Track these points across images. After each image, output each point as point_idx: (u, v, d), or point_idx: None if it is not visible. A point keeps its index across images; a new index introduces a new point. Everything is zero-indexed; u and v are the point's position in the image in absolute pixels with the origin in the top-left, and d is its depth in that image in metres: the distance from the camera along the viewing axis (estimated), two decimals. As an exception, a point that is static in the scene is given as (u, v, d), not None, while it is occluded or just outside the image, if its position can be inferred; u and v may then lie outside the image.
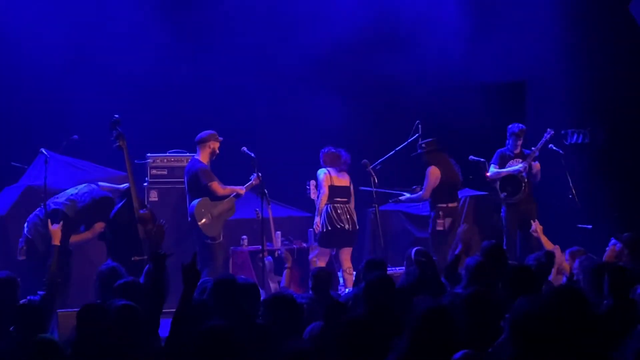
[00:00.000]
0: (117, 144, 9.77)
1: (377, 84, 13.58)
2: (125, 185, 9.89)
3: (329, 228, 11.06)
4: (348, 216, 11.16)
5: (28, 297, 7.22)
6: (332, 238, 11.14)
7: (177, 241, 10.78)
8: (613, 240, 8.94)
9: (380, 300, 6.17)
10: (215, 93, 13.22)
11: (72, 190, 9.76)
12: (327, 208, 11.10)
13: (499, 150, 11.75)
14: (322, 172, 11.22)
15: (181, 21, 13.12)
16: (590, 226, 12.13)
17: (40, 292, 7.36)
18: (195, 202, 10.46)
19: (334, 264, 11.46)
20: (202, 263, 10.24)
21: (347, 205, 11.21)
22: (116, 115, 9.82)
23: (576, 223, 12.25)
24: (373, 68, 13.41)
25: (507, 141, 11.66)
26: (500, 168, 11.62)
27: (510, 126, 11.69)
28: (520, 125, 11.69)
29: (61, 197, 9.65)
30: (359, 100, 13.59)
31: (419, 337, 5.13)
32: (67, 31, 12.46)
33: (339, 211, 11.11)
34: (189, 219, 10.58)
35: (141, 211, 9.54)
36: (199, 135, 10.69)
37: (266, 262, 10.89)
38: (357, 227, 11.33)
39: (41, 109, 12.42)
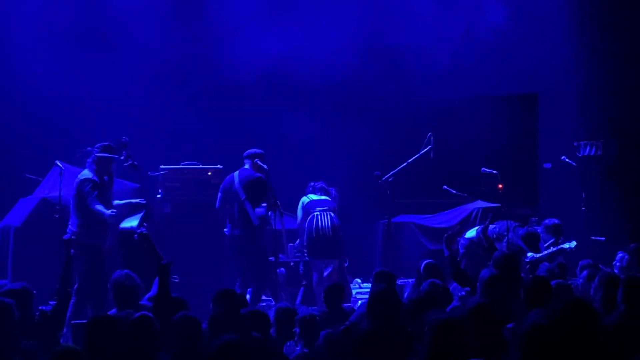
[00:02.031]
0: (129, 163, 9.77)
1: (390, 97, 13.61)
2: (141, 199, 9.91)
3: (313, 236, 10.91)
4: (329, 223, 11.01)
5: (40, 307, 7.26)
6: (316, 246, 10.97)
7: (197, 252, 10.72)
8: (621, 253, 8.93)
9: (384, 314, 6.16)
10: (230, 105, 13.28)
11: None
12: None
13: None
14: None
15: (191, 34, 13.21)
16: (603, 238, 12.10)
17: (51, 302, 7.40)
18: (261, 209, 10.42)
19: (347, 276, 11.46)
20: (260, 278, 10.29)
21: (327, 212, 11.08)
22: (124, 137, 9.82)
23: (589, 235, 12.22)
24: (385, 81, 13.44)
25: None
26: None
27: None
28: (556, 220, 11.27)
29: None
30: (371, 113, 13.61)
31: (434, 349, 5.14)
32: (81, 45, 12.56)
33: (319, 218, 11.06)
34: (255, 223, 10.43)
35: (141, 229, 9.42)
36: (251, 150, 10.61)
37: (279, 273, 10.89)
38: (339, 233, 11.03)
39: (55, 121, 12.49)
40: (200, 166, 11.31)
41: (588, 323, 5.10)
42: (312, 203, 11.11)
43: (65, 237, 7.89)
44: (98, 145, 9.58)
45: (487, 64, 13.33)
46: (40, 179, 11.17)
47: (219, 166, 11.26)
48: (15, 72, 12.50)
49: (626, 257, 8.82)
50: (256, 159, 10.61)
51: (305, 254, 11.21)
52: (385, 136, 13.56)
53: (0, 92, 12.58)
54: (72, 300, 9.21)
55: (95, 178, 9.43)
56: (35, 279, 8.88)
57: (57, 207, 9.93)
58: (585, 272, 7.96)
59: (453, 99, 13.51)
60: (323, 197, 11.17)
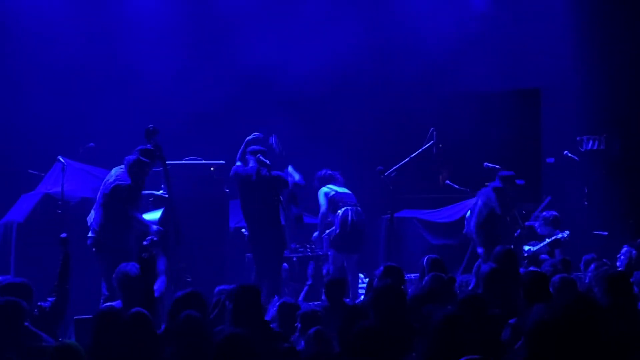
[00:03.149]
0: (156, 154, 9.49)
1: (392, 92, 13.62)
2: (163, 192, 9.87)
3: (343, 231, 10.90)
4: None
5: (38, 303, 7.26)
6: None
7: (200, 248, 10.67)
8: (626, 248, 8.91)
9: (389, 309, 6.17)
10: (232, 100, 13.29)
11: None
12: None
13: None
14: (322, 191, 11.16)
15: (196, 39, 13.25)
16: (606, 233, 12.10)
17: (50, 299, 7.40)
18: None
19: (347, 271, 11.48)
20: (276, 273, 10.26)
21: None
22: (150, 126, 9.52)
23: (592, 230, 12.22)
24: (388, 76, 13.44)
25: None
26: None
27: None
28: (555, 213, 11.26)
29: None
30: (375, 108, 13.62)
31: (437, 344, 5.14)
32: (84, 42, 12.60)
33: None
34: (282, 221, 10.47)
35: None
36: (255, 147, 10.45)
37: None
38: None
39: (58, 117, 12.51)
40: (203, 162, 11.29)
41: (593, 320, 5.09)
42: (340, 195, 11.08)
43: (63, 235, 7.83)
44: (140, 148, 9.26)
45: (489, 59, 13.33)
46: (43, 174, 11.17)
47: (221, 161, 11.25)
48: (18, 67, 12.53)
49: (634, 252, 8.80)
50: (259, 155, 10.60)
51: (318, 249, 11.24)
52: (387, 131, 13.56)
53: (2, 88, 12.60)
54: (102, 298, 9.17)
55: (132, 183, 9.16)
56: (37, 274, 8.89)
57: (60, 202, 9.94)
58: (592, 266, 7.90)
59: (456, 95, 13.51)
60: (346, 190, 11.19)
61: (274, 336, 6.31)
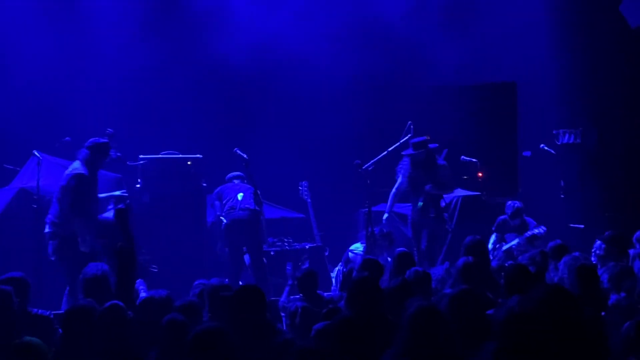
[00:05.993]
0: (117, 156, 9.62)
1: (369, 85, 13.62)
2: (123, 191, 9.84)
3: None
4: None
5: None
6: None
7: (176, 242, 10.63)
8: (598, 242, 8.93)
9: (364, 302, 6.16)
10: (208, 94, 13.26)
11: None
12: None
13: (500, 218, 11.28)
14: None
15: (172, 23, 13.20)
16: (582, 226, 12.16)
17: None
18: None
19: (327, 264, 11.50)
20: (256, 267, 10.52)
21: None
22: (109, 129, 9.60)
23: (568, 223, 12.29)
24: (365, 70, 13.44)
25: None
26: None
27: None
28: (517, 203, 11.18)
29: None
30: (352, 102, 13.62)
31: (412, 336, 5.15)
32: (59, 36, 12.53)
33: None
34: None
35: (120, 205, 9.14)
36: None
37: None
38: None
39: (34, 111, 12.43)
40: (180, 156, 11.25)
41: (569, 311, 5.11)
42: None
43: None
44: (94, 140, 9.34)
45: (465, 53, 13.35)
46: (18, 169, 11.10)
47: (198, 155, 11.22)
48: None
49: (603, 245, 8.83)
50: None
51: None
52: (365, 125, 13.56)
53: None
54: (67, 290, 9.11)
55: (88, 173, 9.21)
56: (12, 269, 8.78)
57: (35, 197, 9.87)
58: (565, 258, 7.88)
59: (432, 88, 13.52)
60: None
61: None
